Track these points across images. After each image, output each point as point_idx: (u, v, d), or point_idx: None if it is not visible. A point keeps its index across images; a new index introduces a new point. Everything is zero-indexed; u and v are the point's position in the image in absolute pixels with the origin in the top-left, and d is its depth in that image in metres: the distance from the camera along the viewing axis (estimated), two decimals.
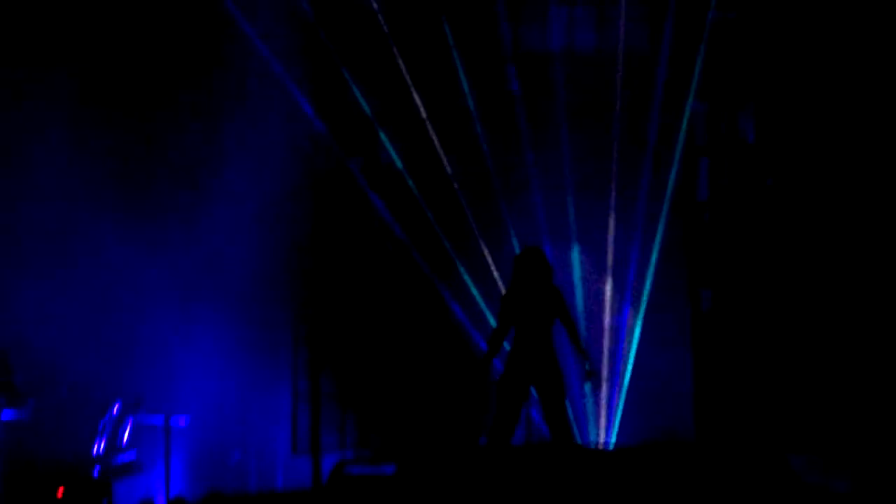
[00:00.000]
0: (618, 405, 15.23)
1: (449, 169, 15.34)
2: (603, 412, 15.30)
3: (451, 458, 12.63)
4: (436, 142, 15.32)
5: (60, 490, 11.41)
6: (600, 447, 15.09)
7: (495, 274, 15.26)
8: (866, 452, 11.96)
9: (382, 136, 15.30)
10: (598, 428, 15.31)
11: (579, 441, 14.44)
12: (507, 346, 10.54)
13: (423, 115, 15.38)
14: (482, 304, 15.30)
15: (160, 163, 14.05)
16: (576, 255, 15.32)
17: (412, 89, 15.32)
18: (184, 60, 14.04)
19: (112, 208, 13.38)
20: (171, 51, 13.98)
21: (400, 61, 15.23)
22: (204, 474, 13.12)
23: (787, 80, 13.62)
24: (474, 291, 15.31)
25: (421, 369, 14.98)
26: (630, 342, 15.29)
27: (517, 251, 14.57)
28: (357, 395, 15.09)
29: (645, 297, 15.19)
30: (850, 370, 12.91)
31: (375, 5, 15.18)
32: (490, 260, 15.35)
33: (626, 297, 15.32)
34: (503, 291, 14.24)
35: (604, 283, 15.46)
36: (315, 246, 14.99)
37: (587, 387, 14.71)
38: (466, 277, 15.35)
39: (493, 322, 15.01)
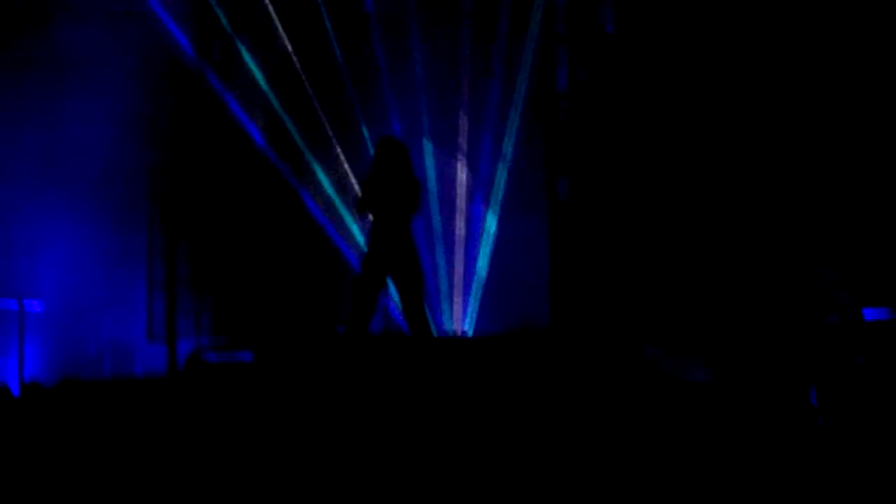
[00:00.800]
0: (474, 297, 15.35)
1: (302, 72, 15.17)
2: (459, 304, 15.41)
3: (308, 345, 12.68)
4: (289, 46, 15.13)
5: None
6: (458, 335, 15.23)
7: (349, 172, 15.22)
8: (721, 343, 12.23)
9: (238, 43, 15.06)
10: (453, 319, 15.42)
11: (435, 332, 14.54)
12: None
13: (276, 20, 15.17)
14: (336, 200, 15.25)
15: (8, 56, 13.85)
16: (428, 151, 15.29)
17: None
18: None
19: None
20: None
21: None
22: (58, 361, 13.02)
23: None
24: (329, 189, 15.26)
25: (278, 257, 14.94)
26: (487, 234, 15.38)
27: (370, 149, 14.56)
28: (213, 281, 15.01)
29: (501, 189, 15.26)
30: (705, 261, 13.14)
31: None
32: (343, 158, 15.28)
33: (482, 189, 15.39)
34: (357, 188, 14.29)
35: (459, 175, 15.49)
36: (174, 138, 14.81)
37: None
38: (321, 175, 15.27)
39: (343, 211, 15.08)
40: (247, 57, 15.08)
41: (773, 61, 13.07)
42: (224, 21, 14.91)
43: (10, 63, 13.94)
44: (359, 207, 10.60)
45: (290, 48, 15.17)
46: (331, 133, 15.28)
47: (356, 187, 14.55)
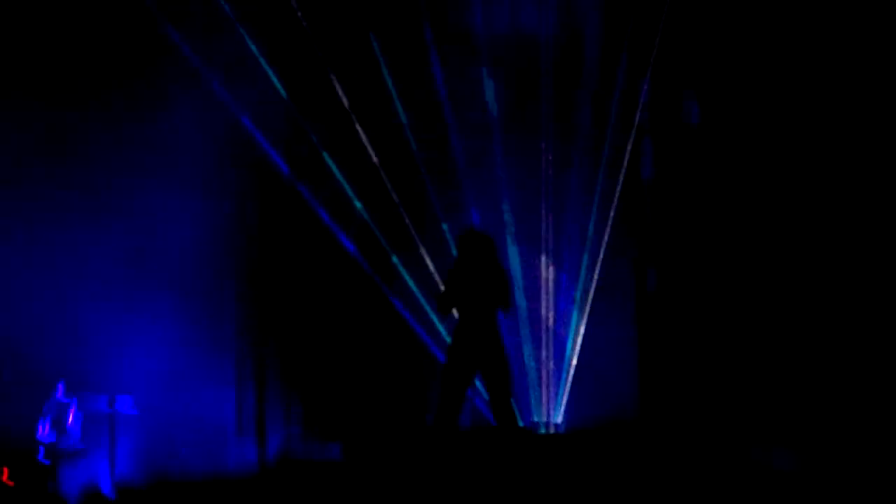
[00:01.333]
0: (563, 387, 15.27)
1: (375, 158, 15.24)
2: (546, 394, 15.33)
3: (397, 439, 12.65)
4: (360, 130, 15.21)
5: (5, 472, 11.37)
6: (547, 428, 15.14)
7: (431, 267, 15.22)
8: (809, 433, 12.07)
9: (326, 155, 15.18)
10: (542, 409, 15.33)
11: (522, 424, 14.46)
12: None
13: (346, 103, 15.24)
14: (418, 295, 15.25)
15: (100, 154, 14.05)
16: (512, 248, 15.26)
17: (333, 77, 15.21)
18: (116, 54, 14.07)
19: (52, 194, 13.44)
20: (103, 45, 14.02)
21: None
22: (149, 458, 13.09)
23: (732, 62, 13.68)
24: (410, 283, 15.26)
25: (365, 352, 14.95)
26: (577, 324, 15.32)
27: (452, 245, 14.55)
28: (302, 375, 15.05)
29: (590, 279, 15.22)
30: (793, 352, 13.02)
31: None
32: (425, 253, 15.28)
33: (571, 282, 15.33)
34: (440, 285, 14.25)
35: (543, 269, 15.44)
36: (258, 234, 14.92)
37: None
38: (402, 269, 15.27)
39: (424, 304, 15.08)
40: (333, 167, 15.14)
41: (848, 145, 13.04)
42: (312, 135, 15.02)
43: (107, 161, 14.11)
44: (440, 304, 10.53)
45: (375, 156, 15.22)
46: (414, 232, 15.28)
47: (439, 284, 14.50)
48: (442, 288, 10.94)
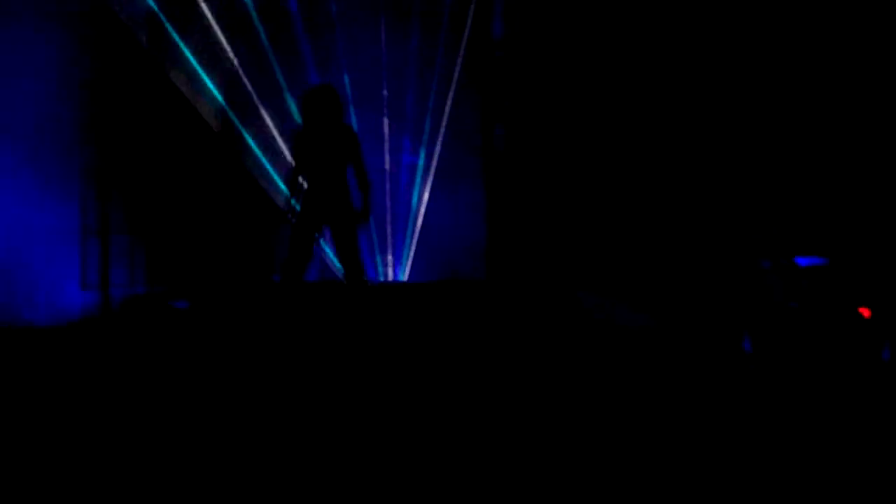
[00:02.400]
0: (408, 246, 15.36)
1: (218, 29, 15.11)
2: (391, 252, 15.42)
3: (244, 293, 12.67)
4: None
5: None
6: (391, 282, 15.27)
7: (274, 131, 15.19)
8: (655, 289, 12.30)
9: None
10: (386, 267, 15.44)
11: (370, 279, 14.56)
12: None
13: None
14: (277, 141, 15.23)
15: None
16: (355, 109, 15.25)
17: None
18: None
19: None
20: None
21: None
22: None
23: None
24: (255, 145, 15.22)
25: (214, 207, 14.89)
26: (423, 182, 15.38)
27: (294, 112, 14.50)
28: (148, 229, 14.94)
29: (438, 137, 15.26)
30: (640, 208, 13.21)
31: None
32: (268, 116, 15.24)
33: (419, 137, 15.37)
34: (292, 129, 14.22)
35: (390, 123, 15.47)
36: (105, 85, 14.70)
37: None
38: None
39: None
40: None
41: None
42: None
43: None
44: (292, 176, 10.47)
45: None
46: (256, 99, 15.21)
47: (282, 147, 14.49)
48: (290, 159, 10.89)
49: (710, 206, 12.95)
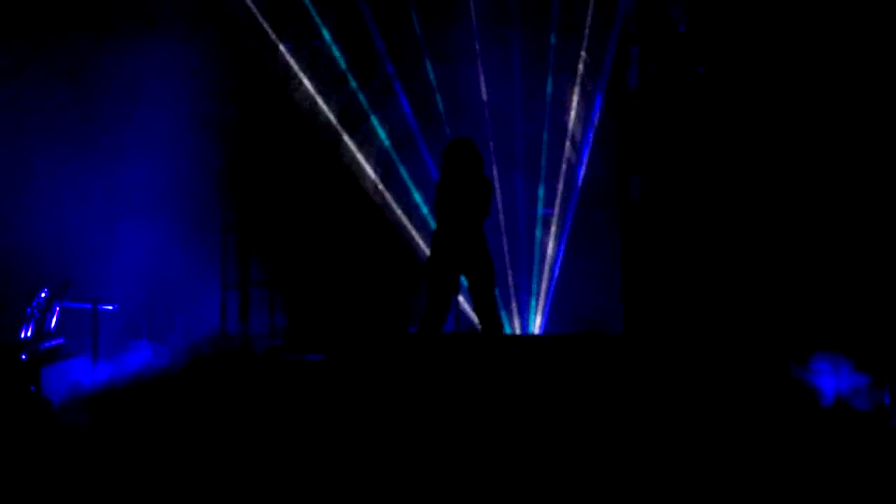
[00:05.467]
0: (544, 300, 15.30)
1: (381, 46, 15.21)
2: (530, 307, 15.37)
3: (380, 345, 12.69)
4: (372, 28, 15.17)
5: None
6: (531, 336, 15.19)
7: (428, 161, 15.23)
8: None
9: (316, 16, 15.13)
10: (525, 319, 15.39)
11: (508, 331, 14.51)
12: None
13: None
14: (414, 192, 15.28)
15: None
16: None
17: None
18: None
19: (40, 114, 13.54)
20: None
21: None
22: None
23: None
24: (406, 179, 15.28)
25: (351, 258, 14.99)
26: (558, 234, 15.34)
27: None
28: (287, 283, 15.09)
29: (574, 189, 15.22)
30: (776, 260, 13.02)
31: None
32: (426, 153, 15.30)
33: (553, 189, 15.35)
34: (435, 179, 14.27)
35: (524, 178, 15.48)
36: (244, 134, 14.93)
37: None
38: (402, 169, 15.31)
39: (425, 212, 15.07)
40: (328, 48, 15.13)
41: (847, 58, 12.95)
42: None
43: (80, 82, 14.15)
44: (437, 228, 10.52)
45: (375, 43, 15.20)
46: (415, 130, 15.29)
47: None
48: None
49: (858, 255, 12.70)
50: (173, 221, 14.19)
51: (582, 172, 15.06)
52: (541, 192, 15.33)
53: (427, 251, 13.08)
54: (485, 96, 15.31)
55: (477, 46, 15.22)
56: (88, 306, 12.86)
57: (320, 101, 15.16)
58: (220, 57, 14.67)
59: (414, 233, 15.24)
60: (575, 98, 15.19)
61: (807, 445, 8.80)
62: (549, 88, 15.23)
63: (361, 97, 15.21)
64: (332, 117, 15.19)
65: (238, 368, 12.18)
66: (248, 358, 12.88)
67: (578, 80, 15.15)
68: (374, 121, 15.26)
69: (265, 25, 14.96)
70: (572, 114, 15.20)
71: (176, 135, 14.10)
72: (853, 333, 11.84)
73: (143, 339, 13.30)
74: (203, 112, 14.39)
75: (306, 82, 15.14)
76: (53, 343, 12.07)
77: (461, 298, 14.53)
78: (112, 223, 13.93)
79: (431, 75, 15.29)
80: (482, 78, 15.30)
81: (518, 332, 15.25)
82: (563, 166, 15.25)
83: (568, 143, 15.19)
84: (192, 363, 12.44)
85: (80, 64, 14.11)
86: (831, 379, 10.64)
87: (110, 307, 13.00)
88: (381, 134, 15.30)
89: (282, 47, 15.05)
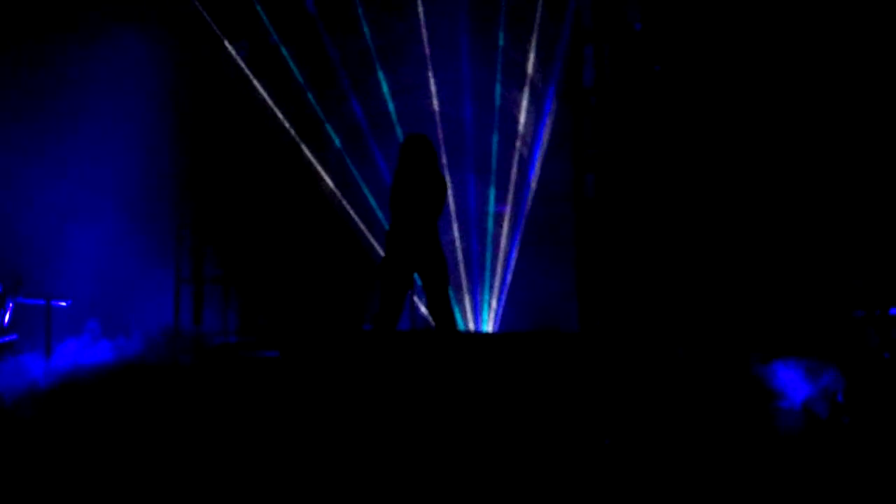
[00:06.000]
0: (498, 297, 15.35)
1: (334, 54, 15.26)
2: (483, 303, 15.41)
3: (335, 343, 12.70)
4: (319, 24, 15.20)
5: None
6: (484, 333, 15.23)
7: (381, 164, 15.29)
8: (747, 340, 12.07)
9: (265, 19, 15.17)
10: (478, 316, 15.43)
11: (462, 328, 14.56)
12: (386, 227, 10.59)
13: None
14: (367, 194, 15.33)
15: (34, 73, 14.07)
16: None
17: None
18: None
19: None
20: None
21: None
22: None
23: None
24: (360, 180, 15.33)
25: (306, 256, 15.01)
26: (511, 231, 15.39)
27: (401, 137, 14.60)
28: (241, 280, 15.10)
29: (527, 186, 15.28)
30: (734, 256, 13.08)
31: None
32: (376, 148, 15.35)
33: (506, 187, 15.43)
34: (389, 181, 14.32)
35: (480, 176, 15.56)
36: (199, 133, 14.95)
37: None
38: (352, 167, 15.36)
39: (377, 210, 15.11)
40: (289, 60, 15.17)
41: (802, 54, 13.03)
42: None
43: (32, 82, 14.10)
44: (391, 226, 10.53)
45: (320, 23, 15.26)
46: (364, 128, 15.36)
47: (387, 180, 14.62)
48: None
49: (812, 255, 12.79)
50: (127, 218, 14.17)
51: (535, 170, 15.13)
52: (492, 189, 15.40)
53: (381, 251, 13.15)
54: (435, 99, 15.40)
55: (427, 51, 15.31)
56: (42, 302, 12.83)
57: (273, 104, 15.20)
58: (174, 54, 14.70)
59: (367, 233, 15.27)
60: (525, 97, 15.27)
61: (760, 443, 8.87)
62: (499, 89, 15.31)
63: (314, 103, 15.27)
64: (286, 122, 15.22)
65: (192, 365, 12.21)
66: (202, 354, 12.88)
67: (528, 79, 15.23)
68: (329, 127, 15.32)
69: (217, 28, 14.99)
70: (522, 113, 15.27)
71: (130, 130, 14.08)
72: (808, 331, 11.92)
73: (96, 335, 13.26)
74: (158, 108, 14.39)
75: (259, 86, 15.19)
76: (6, 339, 12.03)
77: (416, 298, 14.58)
78: (65, 219, 13.88)
79: (383, 82, 15.35)
80: (432, 81, 15.39)
81: (472, 329, 15.30)
82: (514, 164, 15.32)
83: (518, 142, 15.25)
84: (146, 359, 12.43)
85: (32, 61, 14.05)
86: (787, 376, 10.71)
87: (63, 303, 12.99)
88: (335, 139, 15.36)
89: (233, 50, 15.09)
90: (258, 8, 15.06)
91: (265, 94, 15.18)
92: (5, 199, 13.55)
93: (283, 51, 15.22)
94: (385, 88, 15.32)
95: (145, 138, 14.26)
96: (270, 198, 15.06)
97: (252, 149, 15.07)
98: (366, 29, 15.25)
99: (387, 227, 10.69)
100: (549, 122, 15.01)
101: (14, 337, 12.19)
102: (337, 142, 15.35)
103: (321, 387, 10.47)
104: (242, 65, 15.16)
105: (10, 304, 12.23)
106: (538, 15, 15.10)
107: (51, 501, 6.89)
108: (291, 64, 15.24)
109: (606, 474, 7.58)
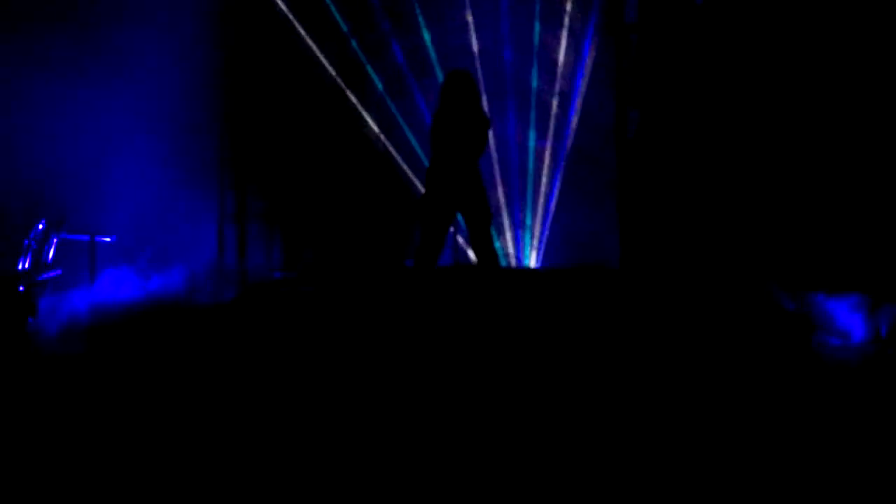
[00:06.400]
0: (540, 232, 15.36)
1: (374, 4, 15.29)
2: (526, 239, 15.44)
3: (375, 277, 12.74)
4: None
5: None
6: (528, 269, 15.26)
7: (421, 103, 15.31)
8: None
9: None
10: (520, 251, 15.46)
11: (504, 264, 14.57)
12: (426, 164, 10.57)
13: None
14: (407, 131, 15.34)
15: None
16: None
17: None
18: None
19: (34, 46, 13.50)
20: None
21: None
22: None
23: None
24: (400, 119, 15.35)
25: (349, 193, 15.07)
26: (553, 167, 15.39)
27: (440, 76, 14.58)
28: (284, 216, 15.17)
29: (569, 122, 15.26)
30: (772, 195, 13.00)
31: None
32: (420, 98, 15.37)
33: (547, 122, 15.44)
34: (427, 116, 14.32)
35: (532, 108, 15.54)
36: (242, 71, 14.97)
37: None
38: (388, 101, 15.38)
39: (415, 144, 15.12)
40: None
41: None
42: None
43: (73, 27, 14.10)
44: (432, 163, 10.50)
45: None
46: (402, 64, 15.37)
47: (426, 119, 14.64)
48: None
49: (852, 194, 12.67)
50: (170, 154, 14.22)
51: (576, 106, 15.10)
52: (532, 125, 15.39)
53: (422, 189, 13.17)
54: (474, 41, 15.39)
55: None
56: (86, 238, 12.91)
57: (318, 50, 15.23)
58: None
59: (409, 171, 15.29)
60: (565, 33, 15.23)
61: (799, 380, 8.83)
62: (538, 26, 15.27)
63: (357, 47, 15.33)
64: (329, 66, 15.26)
65: (233, 301, 12.29)
66: (244, 290, 12.96)
67: (567, 15, 15.19)
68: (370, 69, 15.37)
69: None
70: (562, 50, 15.24)
71: (173, 68, 14.10)
72: (851, 261, 11.85)
73: (141, 270, 13.36)
74: (201, 46, 14.40)
75: (304, 32, 15.22)
76: (51, 274, 12.12)
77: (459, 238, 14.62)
78: (108, 156, 13.93)
79: (423, 24, 15.35)
80: (471, 20, 15.38)
81: (514, 265, 15.32)
82: (555, 100, 15.30)
83: (559, 78, 15.23)
84: (188, 295, 12.52)
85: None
86: (831, 310, 10.67)
87: (108, 239, 13.07)
88: (377, 81, 15.38)
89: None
90: None
91: (308, 39, 15.20)
92: (49, 134, 13.59)
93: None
94: (424, 31, 15.34)
95: (189, 75, 14.29)
96: (313, 135, 15.09)
97: (294, 88, 15.10)
98: None
99: (427, 164, 10.68)
100: (589, 58, 14.97)
101: (58, 272, 12.27)
102: (379, 85, 15.37)
103: (360, 322, 10.51)
104: (285, 9, 15.17)
105: (55, 240, 12.30)
106: None
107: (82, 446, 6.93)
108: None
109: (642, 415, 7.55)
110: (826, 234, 12.48)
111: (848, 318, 10.54)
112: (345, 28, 15.30)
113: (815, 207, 12.65)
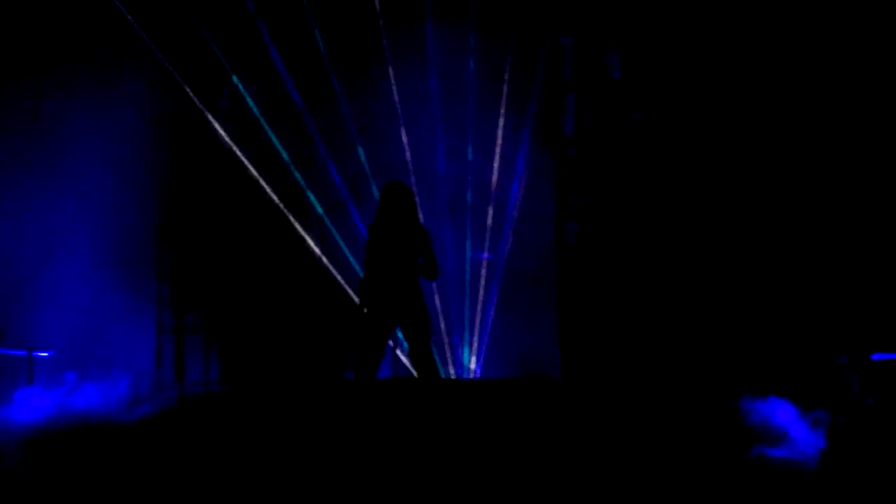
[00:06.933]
0: (480, 342, 15.36)
1: (306, 113, 15.36)
2: (466, 349, 15.42)
3: (313, 390, 12.68)
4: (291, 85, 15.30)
5: None
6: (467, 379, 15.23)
7: (355, 215, 15.37)
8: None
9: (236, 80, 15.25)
10: (459, 363, 15.45)
11: (442, 375, 14.53)
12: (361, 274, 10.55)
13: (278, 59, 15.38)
14: (342, 244, 15.37)
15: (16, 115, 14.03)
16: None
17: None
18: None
19: None
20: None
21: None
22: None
23: (652, 16, 13.75)
24: (335, 232, 15.39)
25: (285, 305, 15.04)
26: (492, 279, 15.44)
27: (377, 193, 14.64)
28: (221, 329, 15.09)
29: (507, 233, 15.35)
30: (716, 304, 13.09)
31: None
32: (350, 199, 15.44)
33: (483, 233, 15.52)
34: (364, 231, 14.36)
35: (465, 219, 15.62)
36: (177, 185, 14.98)
37: None
38: (326, 219, 15.42)
39: (352, 259, 15.13)
40: (253, 105, 15.23)
41: (777, 106, 13.09)
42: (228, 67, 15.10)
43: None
44: (366, 273, 10.45)
45: (296, 94, 15.34)
46: (340, 181, 15.43)
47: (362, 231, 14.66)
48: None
49: (793, 301, 12.80)
50: (109, 267, 14.13)
51: (512, 217, 15.22)
52: (468, 237, 15.48)
53: (356, 299, 13.17)
54: (408, 155, 15.52)
55: (399, 109, 15.46)
56: (23, 353, 12.78)
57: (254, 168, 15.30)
58: (158, 105, 14.73)
59: (347, 287, 15.30)
60: (499, 146, 15.39)
61: (742, 489, 8.84)
62: (471, 139, 15.44)
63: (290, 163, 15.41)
64: (261, 180, 15.32)
65: (171, 413, 12.17)
66: (184, 403, 12.85)
67: (501, 129, 15.36)
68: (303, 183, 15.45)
69: (196, 99, 15.04)
70: (496, 162, 15.40)
71: (113, 181, 14.08)
72: (791, 377, 11.93)
73: (79, 384, 13.20)
74: (141, 159, 14.40)
75: (238, 151, 15.26)
76: None
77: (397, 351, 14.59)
78: (47, 269, 13.83)
79: (356, 139, 15.47)
80: (404, 139, 15.52)
81: (453, 375, 15.29)
82: (490, 213, 15.44)
83: (493, 191, 15.39)
84: (129, 408, 12.40)
85: (17, 106, 14.03)
86: (770, 422, 10.69)
87: (45, 354, 12.94)
88: (312, 198, 15.45)
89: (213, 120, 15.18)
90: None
91: (246, 161, 15.26)
92: None
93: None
94: (358, 144, 15.48)
95: (129, 188, 14.26)
96: (251, 250, 15.08)
97: (232, 201, 15.11)
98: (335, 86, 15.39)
99: (361, 274, 10.63)
100: (522, 172, 15.14)
101: None
102: (317, 206, 15.45)
103: (301, 434, 10.42)
104: (224, 134, 15.21)
105: None
106: (509, 64, 15.28)
107: None
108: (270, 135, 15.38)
109: None
110: (757, 338, 12.62)
111: (786, 426, 10.58)
112: (286, 156, 15.36)
113: (746, 313, 12.78)
